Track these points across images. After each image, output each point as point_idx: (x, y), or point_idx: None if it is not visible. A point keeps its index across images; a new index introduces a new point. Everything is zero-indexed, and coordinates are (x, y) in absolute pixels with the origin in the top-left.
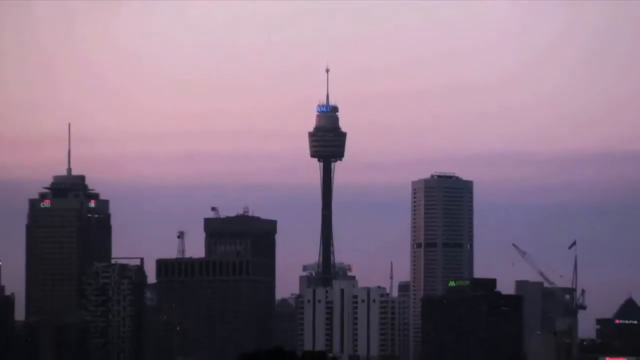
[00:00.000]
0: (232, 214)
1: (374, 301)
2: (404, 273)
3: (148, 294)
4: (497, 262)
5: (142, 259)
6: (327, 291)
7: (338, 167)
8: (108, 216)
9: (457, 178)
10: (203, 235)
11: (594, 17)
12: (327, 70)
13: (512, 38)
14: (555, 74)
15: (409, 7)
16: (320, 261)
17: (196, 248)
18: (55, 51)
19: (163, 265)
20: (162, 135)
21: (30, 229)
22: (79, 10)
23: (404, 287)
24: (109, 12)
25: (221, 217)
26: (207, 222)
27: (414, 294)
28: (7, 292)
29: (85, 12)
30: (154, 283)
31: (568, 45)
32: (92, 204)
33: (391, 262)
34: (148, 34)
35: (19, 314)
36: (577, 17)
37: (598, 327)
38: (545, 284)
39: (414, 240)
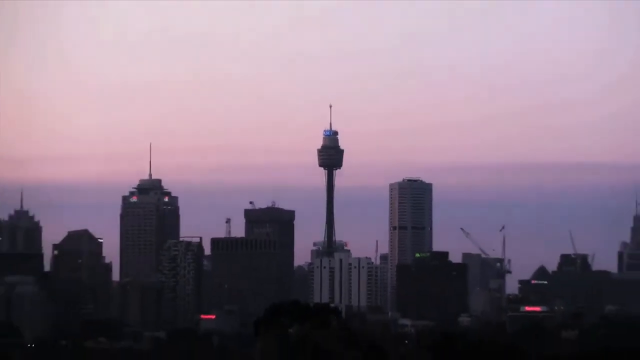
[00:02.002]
0: (264, 206)
1: (363, 267)
2: (384, 247)
3: (205, 263)
4: (449, 240)
5: (201, 238)
6: (330, 260)
7: (338, 174)
8: (177, 208)
9: (421, 181)
10: (244, 221)
11: None
12: (330, 106)
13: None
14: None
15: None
16: (325, 239)
17: (239, 230)
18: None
19: (216, 242)
20: (215, 150)
21: (123, 217)
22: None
23: (384, 258)
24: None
25: (256, 208)
26: (247, 212)
27: (391, 263)
28: (107, 261)
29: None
30: (210, 255)
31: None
32: (166, 199)
33: (376, 240)
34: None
35: (115, 276)
36: None
37: (519, 286)
38: (483, 256)
39: (391, 224)
